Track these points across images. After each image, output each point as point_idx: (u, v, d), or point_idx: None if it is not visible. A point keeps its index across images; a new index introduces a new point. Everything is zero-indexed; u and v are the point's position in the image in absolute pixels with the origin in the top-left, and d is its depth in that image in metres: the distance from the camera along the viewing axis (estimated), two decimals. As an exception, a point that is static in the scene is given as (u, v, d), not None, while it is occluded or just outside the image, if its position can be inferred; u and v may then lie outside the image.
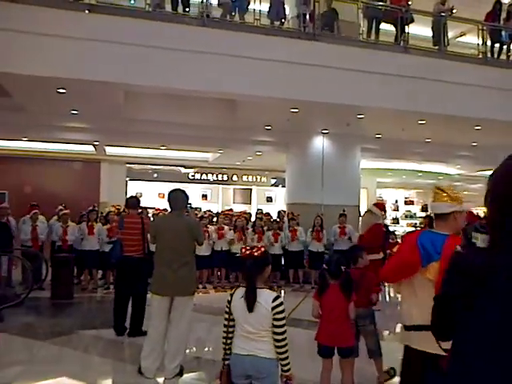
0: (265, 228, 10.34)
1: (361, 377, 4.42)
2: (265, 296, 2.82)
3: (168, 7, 8.25)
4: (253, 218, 11.86)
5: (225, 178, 18.44)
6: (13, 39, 6.82)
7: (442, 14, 9.91)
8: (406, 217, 20.78)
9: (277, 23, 8.89)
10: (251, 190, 19.11)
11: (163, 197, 16.01)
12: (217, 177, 18.36)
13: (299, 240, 10.21)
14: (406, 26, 9.44)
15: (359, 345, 4.45)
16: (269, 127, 11.06)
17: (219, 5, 8.57)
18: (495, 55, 10.24)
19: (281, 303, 2.80)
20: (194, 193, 16.96)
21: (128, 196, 7.61)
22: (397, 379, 4.32)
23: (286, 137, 11.85)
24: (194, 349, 5.90)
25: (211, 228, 10.00)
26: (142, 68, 7.39)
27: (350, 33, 9.25)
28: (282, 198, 17.05)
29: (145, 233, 6.10)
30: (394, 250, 3.24)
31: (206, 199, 18.44)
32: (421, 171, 17.69)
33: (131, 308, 6.15)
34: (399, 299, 3.34)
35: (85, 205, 10.78)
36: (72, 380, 4.72)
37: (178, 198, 4.87)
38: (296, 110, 9.20)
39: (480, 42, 10.04)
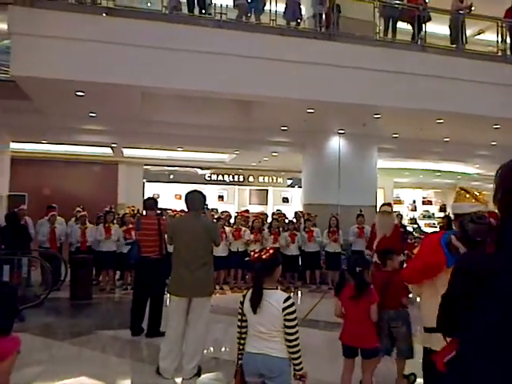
0: (281, 229, 10.33)
1: (379, 376, 4.37)
2: (276, 297, 2.86)
3: (184, 9, 8.30)
4: (269, 219, 11.84)
5: (241, 178, 18.46)
6: (32, 43, 6.92)
7: (460, 11, 9.79)
8: (424, 217, 20.58)
9: (293, 24, 8.87)
10: (267, 190, 19.10)
11: (180, 198, 16.10)
12: (233, 178, 18.39)
13: (316, 241, 10.17)
14: (424, 25, 9.35)
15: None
16: (285, 128, 11.04)
17: (235, 6, 8.59)
18: (515, 53, 10.08)
19: (292, 304, 2.84)
20: (210, 194, 17.02)
21: (145, 197, 7.67)
22: None
23: (302, 137, 11.81)
24: (212, 349, 5.91)
25: (228, 229, 10.03)
26: (158, 70, 7.44)
27: (366, 32, 9.19)
28: (298, 199, 17.01)
29: (161, 234, 6.14)
30: (415, 251, 3.20)
31: (223, 200, 18.49)
32: (439, 171, 17.48)
33: (149, 309, 6.19)
34: (418, 300, 3.30)
35: (103, 206, 10.89)
36: (91, 380, 4.76)
37: (195, 199, 4.89)
38: (312, 111, 9.17)
39: (499, 39, 9.89)
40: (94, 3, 7.82)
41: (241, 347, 3.02)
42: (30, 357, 5.35)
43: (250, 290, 2.97)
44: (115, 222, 9.88)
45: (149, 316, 6.16)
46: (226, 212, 12.42)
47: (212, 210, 13.71)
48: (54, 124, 10.46)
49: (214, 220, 9.35)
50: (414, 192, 21.16)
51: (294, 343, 2.83)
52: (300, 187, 14.29)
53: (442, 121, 9.81)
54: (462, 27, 9.73)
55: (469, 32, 10.27)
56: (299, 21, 8.96)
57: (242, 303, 2.99)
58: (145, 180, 17.20)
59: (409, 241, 9.88)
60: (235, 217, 11.20)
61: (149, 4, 8.46)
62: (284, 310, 2.80)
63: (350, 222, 10.27)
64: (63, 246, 9.91)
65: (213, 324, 5.71)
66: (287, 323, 2.81)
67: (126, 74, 7.33)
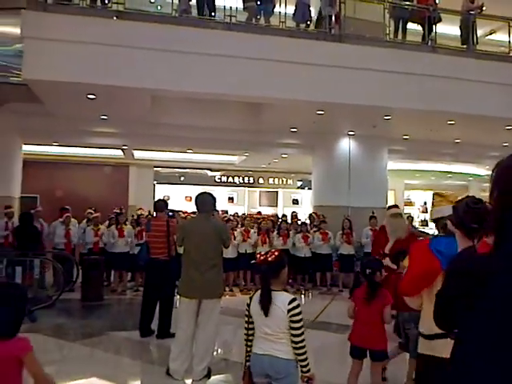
0: (292, 231, 10.32)
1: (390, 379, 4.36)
2: (282, 298, 2.87)
3: (194, 12, 8.34)
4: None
5: (251, 180, 18.47)
6: (44, 47, 7.01)
7: (471, 12, 9.73)
8: (435, 219, 20.37)
9: (302, 25, 8.87)
10: (277, 192, 19.09)
11: (190, 200, 16.15)
12: (243, 179, 18.40)
13: (329, 243, 10.16)
14: (434, 26, 9.30)
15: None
16: (294, 129, 11.04)
17: (245, 9, 8.61)
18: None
19: (297, 305, 2.85)
20: (220, 196, 17.05)
21: (156, 199, 7.71)
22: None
23: (312, 139, 11.80)
24: (222, 351, 5.92)
25: (237, 231, 10.04)
26: (168, 73, 7.49)
27: (376, 33, 9.16)
28: (308, 201, 16.98)
29: (170, 235, 6.17)
30: (405, 263, 3.17)
31: (233, 202, 18.51)
32: (450, 172, 17.34)
33: (159, 310, 6.22)
34: None
35: (113, 208, 10.96)
36: (102, 381, 4.80)
37: (205, 201, 4.90)
38: (322, 112, 9.16)
39: (511, 39, 9.81)
40: (105, 7, 7.90)
41: (248, 349, 3.03)
42: (41, 357, 5.37)
43: (257, 292, 2.98)
44: (127, 223, 9.96)
45: (159, 317, 6.19)
46: (237, 214, 12.48)
47: (223, 211, 13.78)
48: (66, 126, 10.55)
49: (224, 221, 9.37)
50: (425, 194, 21.01)
51: (300, 345, 2.83)
52: (310, 189, 14.27)
53: (452, 122, 9.75)
54: (472, 28, 9.66)
55: (480, 32, 10.19)
56: (309, 23, 8.96)
57: (248, 305, 3.00)
58: (155, 182, 17.28)
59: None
60: (244, 218, 11.22)
61: (159, 7, 8.51)
62: (289, 311, 2.81)
63: (360, 224, 10.23)
64: (76, 247, 9.99)
65: (222, 326, 5.71)
66: (293, 325, 2.81)
67: (137, 76, 7.39)
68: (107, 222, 9.86)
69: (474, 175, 17.74)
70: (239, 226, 10.61)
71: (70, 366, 5.26)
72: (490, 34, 11.21)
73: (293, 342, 2.83)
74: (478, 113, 8.85)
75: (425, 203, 20.91)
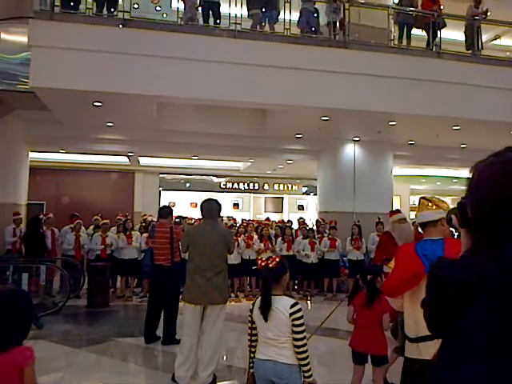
0: (300, 237, 10.31)
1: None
2: (283, 303, 2.88)
3: (200, 20, 8.40)
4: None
5: (256, 186, 18.49)
6: (51, 55, 7.09)
7: (476, 17, 9.73)
8: (441, 224, 20.28)
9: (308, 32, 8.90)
10: (283, 198, 19.10)
11: (195, 206, 16.18)
12: (248, 186, 18.43)
13: (337, 249, 10.15)
14: (439, 31, 9.31)
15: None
16: (299, 135, 11.06)
17: (249, 16, 8.66)
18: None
19: (299, 309, 2.86)
20: (225, 202, 17.08)
21: (161, 206, 7.73)
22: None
23: (317, 145, 11.81)
24: (227, 357, 5.91)
25: (240, 237, 10.03)
26: (174, 80, 7.54)
27: (381, 39, 9.18)
28: (313, 207, 16.97)
29: (173, 242, 6.18)
30: (390, 265, 3.22)
31: (238, 208, 18.53)
32: (456, 177, 17.29)
33: (164, 316, 6.23)
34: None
35: (118, 215, 11.01)
36: (108, 387, 4.81)
37: (210, 208, 4.92)
38: (327, 118, 9.17)
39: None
40: (111, 15, 7.97)
41: (252, 355, 3.05)
42: (47, 364, 5.41)
43: (259, 298, 3.00)
44: (135, 229, 9.99)
45: (163, 324, 6.19)
46: (245, 220, 12.49)
47: (228, 217, 13.80)
48: (72, 134, 10.63)
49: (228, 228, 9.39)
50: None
51: (302, 349, 2.83)
52: (315, 195, 14.27)
53: (458, 127, 9.73)
54: (477, 33, 9.66)
55: (485, 37, 10.19)
56: (313, 29, 8.99)
57: (251, 311, 3.02)
58: (161, 188, 17.34)
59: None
60: (246, 225, 11.23)
61: (164, 15, 8.58)
62: (291, 315, 2.82)
63: (365, 230, 10.21)
64: (84, 253, 10.00)
65: (228, 332, 5.71)
66: (295, 329, 2.82)
67: (143, 84, 7.45)
68: (114, 228, 9.90)
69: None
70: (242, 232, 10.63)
71: (75, 372, 5.27)
72: (495, 39, 11.22)
73: (295, 346, 2.84)
74: (483, 118, 8.83)
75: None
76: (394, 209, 7.80)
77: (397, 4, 9.91)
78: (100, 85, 7.34)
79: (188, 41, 7.67)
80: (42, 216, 9.51)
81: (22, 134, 10.25)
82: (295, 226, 11.91)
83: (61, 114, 9.25)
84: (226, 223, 11.58)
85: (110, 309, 8.45)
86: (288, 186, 18.80)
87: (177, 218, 9.75)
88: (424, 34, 9.54)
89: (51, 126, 9.94)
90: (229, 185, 18.20)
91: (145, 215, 11.85)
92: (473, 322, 0.91)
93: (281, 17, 8.72)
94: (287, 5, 8.69)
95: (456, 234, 4.26)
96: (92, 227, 10.10)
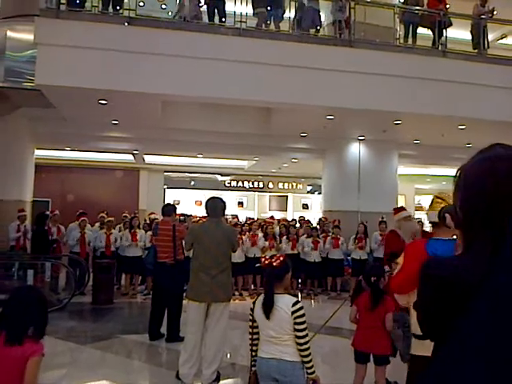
0: (304, 236, 10.30)
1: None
2: (285, 301, 2.89)
3: (205, 18, 8.40)
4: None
5: (261, 185, 18.50)
6: (56, 53, 7.11)
7: (482, 16, 9.68)
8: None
9: (312, 31, 8.89)
10: (287, 197, 19.09)
11: (200, 204, 16.21)
12: (253, 184, 18.44)
13: (341, 248, 10.14)
14: (444, 30, 9.27)
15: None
16: (304, 134, 11.05)
17: (255, 14, 8.66)
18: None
19: (301, 307, 2.87)
20: (230, 200, 17.10)
21: (165, 203, 7.75)
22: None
23: (322, 143, 11.80)
24: (231, 355, 5.92)
25: (245, 235, 10.05)
26: (179, 78, 7.54)
27: (386, 38, 9.16)
28: (318, 205, 16.95)
29: (176, 240, 6.20)
30: (399, 260, 3.16)
31: (242, 206, 18.54)
32: (461, 177, 17.18)
33: (167, 314, 6.24)
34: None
35: (124, 212, 11.03)
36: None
37: (215, 206, 4.92)
38: (332, 117, 9.16)
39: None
40: (116, 13, 7.99)
41: (253, 353, 3.05)
42: (52, 360, 5.44)
43: (261, 296, 3.00)
44: (140, 226, 10.02)
45: (167, 321, 6.21)
46: (251, 219, 12.50)
47: (232, 216, 13.81)
48: (77, 131, 10.67)
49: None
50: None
51: (305, 347, 2.84)
52: (320, 193, 14.26)
53: (464, 127, 9.69)
54: (483, 32, 9.61)
55: (491, 36, 10.14)
56: (318, 28, 8.98)
57: (252, 310, 3.03)
58: (165, 186, 17.38)
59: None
60: (251, 223, 11.25)
61: (169, 13, 8.59)
62: (293, 313, 2.83)
63: (369, 229, 10.19)
64: (89, 250, 10.04)
65: (231, 330, 5.73)
66: (297, 326, 2.83)
67: (148, 81, 7.46)
68: (119, 226, 9.92)
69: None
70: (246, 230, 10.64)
71: (80, 368, 5.30)
72: (502, 38, 11.16)
73: (298, 343, 2.85)
74: (489, 117, 8.80)
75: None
76: (397, 206, 7.80)
77: (403, 3, 9.88)
78: (105, 83, 7.36)
79: (193, 39, 7.67)
80: (48, 212, 9.55)
81: (27, 132, 10.29)
82: (297, 224, 11.91)
83: (66, 111, 9.28)
84: (230, 221, 11.59)
85: (114, 306, 8.48)
86: (293, 185, 18.80)
87: (181, 215, 9.76)
88: (430, 32, 9.51)
89: (57, 123, 9.97)
90: (233, 183, 18.22)
91: (152, 213, 11.87)
92: (471, 322, 0.91)
93: (286, 15, 8.71)
94: (292, 3, 8.68)
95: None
96: (98, 224, 10.13)
